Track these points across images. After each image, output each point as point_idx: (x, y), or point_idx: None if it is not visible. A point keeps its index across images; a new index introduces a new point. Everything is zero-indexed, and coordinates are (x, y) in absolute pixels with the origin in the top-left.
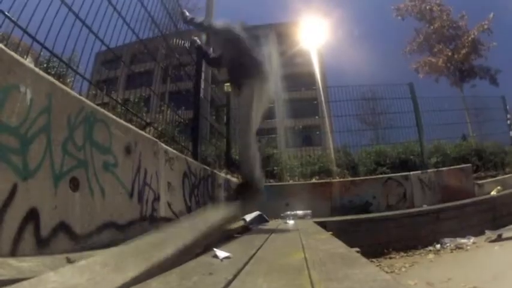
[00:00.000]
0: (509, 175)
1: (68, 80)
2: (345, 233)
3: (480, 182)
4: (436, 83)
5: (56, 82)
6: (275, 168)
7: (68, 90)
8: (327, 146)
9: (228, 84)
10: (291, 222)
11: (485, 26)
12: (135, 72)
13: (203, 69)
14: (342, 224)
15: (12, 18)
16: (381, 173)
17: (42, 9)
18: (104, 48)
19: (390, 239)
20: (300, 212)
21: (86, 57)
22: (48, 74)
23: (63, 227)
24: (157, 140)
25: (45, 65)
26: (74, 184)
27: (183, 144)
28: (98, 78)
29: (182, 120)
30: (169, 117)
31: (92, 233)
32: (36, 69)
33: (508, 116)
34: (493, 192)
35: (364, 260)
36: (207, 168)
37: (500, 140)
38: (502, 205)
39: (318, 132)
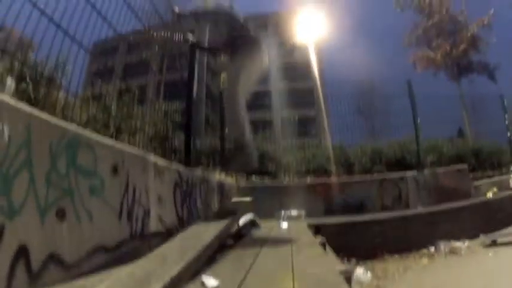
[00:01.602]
0: (505, 176)
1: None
2: (339, 235)
3: (477, 183)
4: (434, 78)
5: (34, 111)
6: (270, 165)
7: (47, 117)
8: (322, 143)
9: (225, 75)
10: (284, 225)
11: (485, 22)
12: (131, 63)
13: (196, 67)
14: (335, 227)
15: None
16: (377, 171)
17: None
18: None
19: (384, 241)
20: (294, 212)
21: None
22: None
23: (53, 258)
24: (144, 155)
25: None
26: (61, 214)
27: (175, 145)
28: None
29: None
30: (162, 114)
31: (82, 260)
32: (12, 102)
33: (506, 115)
34: (489, 195)
35: None
36: (200, 173)
37: (497, 139)
38: (497, 208)
39: (313, 130)
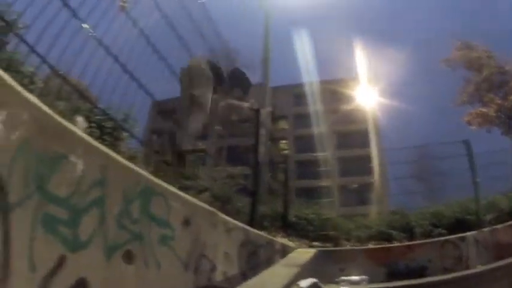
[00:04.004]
0: None
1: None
2: None
3: None
4: (489, 134)
5: (111, 153)
6: (330, 232)
7: (124, 162)
8: (382, 208)
9: (285, 142)
10: None
11: None
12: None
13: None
14: None
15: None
16: (437, 235)
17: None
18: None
19: None
20: (355, 278)
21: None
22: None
23: None
24: (216, 211)
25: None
26: (128, 257)
27: (238, 206)
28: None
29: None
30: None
31: None
32: (88, 139)
33: None
34: None
35: None
36: (264, 235)
37: None
38: None
39: (372, 196)
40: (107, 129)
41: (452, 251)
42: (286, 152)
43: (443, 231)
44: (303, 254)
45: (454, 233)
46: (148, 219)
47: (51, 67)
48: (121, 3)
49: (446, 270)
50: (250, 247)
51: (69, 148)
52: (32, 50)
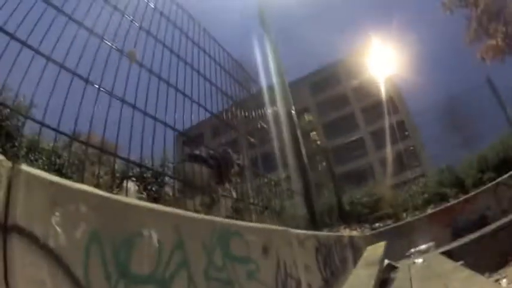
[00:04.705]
0: None
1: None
2: (469, 255)
3: None
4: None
5: (181, 212)
6: (386, 208)
7: (195, 216)
8: (425, 169)
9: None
10: (419, 262)
11: None
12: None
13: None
14: (463, 248)
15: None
16: (487, 180)
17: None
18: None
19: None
20: (423, 247)
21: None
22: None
23: None
24: (287, 229)
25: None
26: None
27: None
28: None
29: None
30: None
31: None
32: (153, 206)
33: None
34: None
35: None
36: (332, 234)
37: None
38: None
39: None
40: (149, 179)
41: (506, 192)
42: (318, 142)
43: (492, 174)
44: (376, 250)
45: (503, 173)
46: (231, 262)
47: (70, 136)
48: (129, 56)
49: (504, 213)
50: (324, 251)
51: (138, 223)
52: (43, 124)
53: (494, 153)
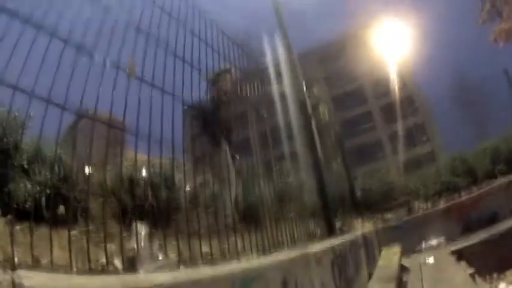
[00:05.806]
0: None
1: None
2: (479, 255)
3: None
4: None
5: (201, 275)
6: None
7: (214, 274)
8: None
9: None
10: (431, 260)
11: None
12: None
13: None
14: (473, 248)
15: None
16: (499, 172)
17: None
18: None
19: None
20: (433, 242)
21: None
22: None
23: None
24: (306, 251)
25: None
26: None
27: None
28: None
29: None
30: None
31: None
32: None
33: None
34: None
35: None
36: (347, 239)
37: None
38: None
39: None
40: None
41: None
42: (328, 120)
43: (504, 167)
44: (391, 258)
45: None
46: None
47: (80, 165)
48: (128, 71)
49: None
50: (339, 262)
51: None
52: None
53: (506, 146)
